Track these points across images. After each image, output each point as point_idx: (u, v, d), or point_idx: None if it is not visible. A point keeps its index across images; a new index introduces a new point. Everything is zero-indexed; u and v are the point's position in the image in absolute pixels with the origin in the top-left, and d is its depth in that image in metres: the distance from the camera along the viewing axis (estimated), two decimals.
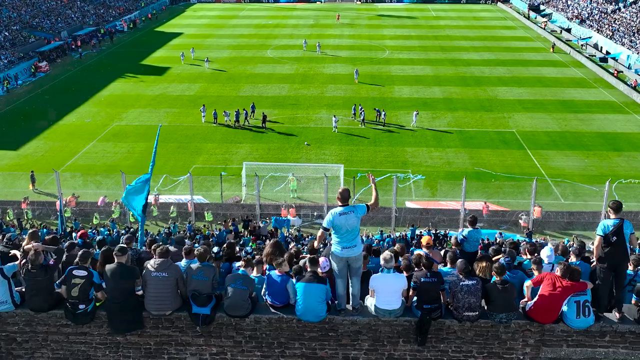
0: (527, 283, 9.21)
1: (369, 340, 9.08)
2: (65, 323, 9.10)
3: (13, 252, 10.22)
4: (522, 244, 14.03)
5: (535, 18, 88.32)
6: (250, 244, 22.37)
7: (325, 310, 8.87)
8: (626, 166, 39.21)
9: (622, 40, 64.31)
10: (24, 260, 9.06)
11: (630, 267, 9.94)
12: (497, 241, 25.52)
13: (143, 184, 13.52)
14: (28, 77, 59.74)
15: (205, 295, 8.77)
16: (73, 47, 71.35)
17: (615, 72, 57.99)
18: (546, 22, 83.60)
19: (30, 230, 10.94)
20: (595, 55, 65.56)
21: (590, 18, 76.26)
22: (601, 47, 67.63)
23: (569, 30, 78.00)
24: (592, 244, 9.72)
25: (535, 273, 9.55)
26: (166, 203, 32.90)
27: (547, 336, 9.04)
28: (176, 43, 75.16)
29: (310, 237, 28.71)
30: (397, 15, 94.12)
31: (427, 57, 67.25)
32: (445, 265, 10.04)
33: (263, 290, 9.22)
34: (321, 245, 11.39)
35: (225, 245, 11.31)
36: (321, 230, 9.12)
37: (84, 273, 8.73)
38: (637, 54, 59.34)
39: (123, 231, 27.07)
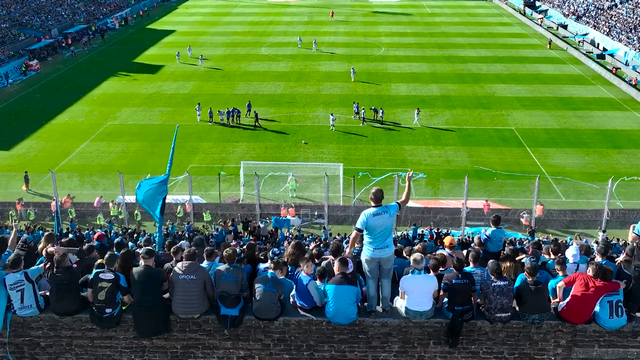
0: (560, 284, 9.14)
1: (399, 342, 9.01)
2: (91, 327, 8.96)
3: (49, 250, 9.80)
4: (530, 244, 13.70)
5: (531, 14, 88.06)
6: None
7: (355, 313, 8.76)
8: (626, 163, 39.01)
9: (619, 36, 64.11)
10: (48, 264, 8.90)
11: None
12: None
13: (160, 184, 13.09)
14: (19, 75, 58.77)
15: (233, 297, 8.66)
16: (64, 45, 70.34)
17: (614, 69, 57.75)
18: (542, 18, 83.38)
19: (46, 233, 10.72)
20: (592, 52, 65.36)
21: (586, 14, 76.06)
22: (598, 44, 67.42)
23: (565, 27, 77.79)
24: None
25: (560, 273, 9.50)
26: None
27: (579, 337, 8.99)
28: (169, 41, 74.34)
29: (310, 236, 28.26)
30: (391, 12, 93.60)
31: (423, 54, 66.79)
32: (468, 265, 9.86)
33: (292, 292, 9.09)
34: (344, 246, 11.08)
35: (245, 247, 11.08)
36: (355, 231, 8.88)
37: (110, 276, 8.62)
38: (635, 50, 59.11)
39: (121, 232, 26.50)
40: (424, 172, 36.80)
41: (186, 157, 39.36)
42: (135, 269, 8.72)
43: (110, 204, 31.41)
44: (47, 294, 8.98)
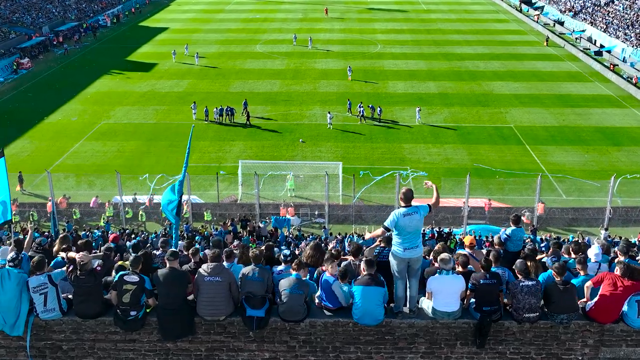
0: (588, 283, 9.09)
1: (425, 343, 8.97)
2: (114, 330, 8.84)
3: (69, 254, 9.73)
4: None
5: (527, 11, 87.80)
6: (251, 244, 21.38)
7: (383, 314, 8.71)
8: (627, 161, 38.84)
9: (616, 33, 63.92)
10: (71, 266, 8.79)
11: None
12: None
13: (176, 185, 12.94)
14: (10, 74, 57.82)
15: (259, 298, 8.59)
16: (55, 43, 69.38)
17: (612, 65, 57.54)
18: (538, 15, 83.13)
19: (61, 235, 10.73)
20: (589, 49, 65.14)
21: (583, 11, 75.85)
22: (595, 41, 67.22)
23: (561, 23, 77.59)
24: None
25: (581, 272, 9.50)
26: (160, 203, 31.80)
27: (607, 336, 8.97)
28: (162, 38, 73.58)
29: (311, 236, 27.87)
30: (387, 8, 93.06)
31: (420, 51, 66.36)
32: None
33: (317, 293, 9.01)
34: (362, 244, 10.95)
35: (263, 248, 10.94)
36: (382, 229, 8.85)
37: (135, 279, 8.50)
38: (632, 47, 58.90)
39: (118, 232, 25.96)
40: (423, 171, 36.49)
41: (182, 156, 38.33)
42: (160, 271, 8.63)
43: (107, 205, 30.83)
44: (70, 296, 8.88)
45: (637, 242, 23.31)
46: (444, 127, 44.08)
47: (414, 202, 8.75)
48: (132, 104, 49.48)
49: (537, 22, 79.90)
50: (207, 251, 10.45)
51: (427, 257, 10.27)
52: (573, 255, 10.70)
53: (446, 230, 29.19)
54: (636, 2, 68.27)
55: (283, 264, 9.46)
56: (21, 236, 14.81)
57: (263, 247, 10.94)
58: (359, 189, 33.03)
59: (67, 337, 8.92)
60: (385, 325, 8.83)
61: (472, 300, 8.87)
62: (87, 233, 25.15)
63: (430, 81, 55.27)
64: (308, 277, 9.12)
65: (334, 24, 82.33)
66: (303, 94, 51.62)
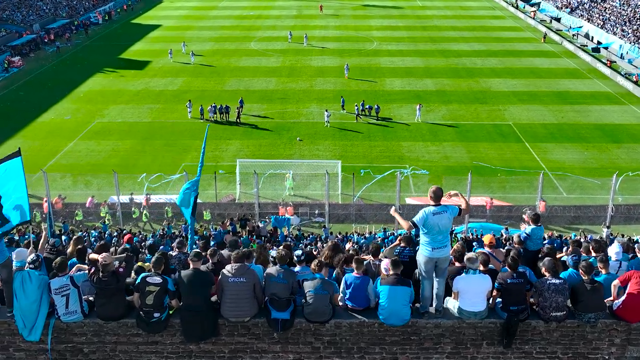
0: (615, 282, 9.05)
1: (451, 344, 8.92)
2: (136, 332, 8.74)
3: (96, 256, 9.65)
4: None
5: (524, 7, 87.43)
6: (251, 244, 20.96)
7: (409, 314, 8.68)
8: (627, 158, 38.63)
9: (613, 29, 63.69)
10: (92, 268, 8.70)
11: None
12: (504, 237, 24.65)
13: (192, 186, 12.87)
14: (1, 72, 56.93)
15: (284, 300, 8.51)
16: (46, 40, 68.43)
17: (609, 62, 57.29)
18: (535, 11, 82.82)
19: (75, 236, 10.64)
20: (587, 45, 64.84)
21: (580, 7, 75.58)
22: (592, 37, 66.95)
23: (558, 20, 77.30)
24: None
25: (602, 271, 9.41)
26: (158, 203, 31.53)
27: (634, 335, 8.93)
28: (155, 35, 72.81)
29: (311, 236, 27.44)
30: (382, 5, 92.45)
31: (416, 48, 65.89)
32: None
33: (341, 294, 8.94)
34: (379, 241, 10.89)
35: (283, 247, 11.02)
36: (410, 223, 8.58)
37: (158, 280, 8.41)
38: (630, 43, 58.66)
39: (115, 233, 25.56)
40: (423, 169, 36.12)
41: (178, 155, 38.25)
42: (183, 272, 8.53)
43: (103, 205, 30.30)
44: (91, 299, 8.81)
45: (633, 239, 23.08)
46: (443, 125, 43.66)
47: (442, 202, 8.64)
48: (126, 102, 48.78)
49: (533, 18, 79.61)
50: (224, 251, 10.55)
51: None
52: (593, 254, 10.58)
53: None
54: None
55: (298, 264, 9.32)
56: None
57: (282, 248, 10.94)
58: (359, 188, 32.61)
59: (88, 339, 8.83)
60: (411, 325, 8.79)
61: (498, 299, 8.84)
62: (85, 233, 24.62)
63: (428, 78, 54.83)
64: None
65: (329, 20, 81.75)
66: (299, 92, 51.06)
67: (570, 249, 11.63)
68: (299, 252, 9.56)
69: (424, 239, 8.60)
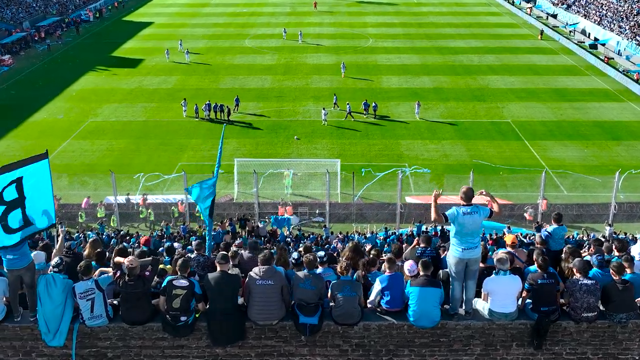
0: None
1: (481, 345, 8.85)
2: (161, 336, 8.63)
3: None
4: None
5: (520, 4, 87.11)
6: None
7: (439, 315, 8.59)
8: (627, 155, 38.38)
9: (610, 26, 63.42)
10: (118, 272, 8.54)
11: None
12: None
13: (210, 187, 12.55)
14: None
15: (312, 305, 8.40)
16: (36, 38, 67.36)
17: (606, 58, 57.01)
18: (531, 7, 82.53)
19: (91, 239, 10.59)
20: (584, 42, 64.54)
21: (576, 3, 75.29)
22: (589, 34, 66.67)
23: (555, 16, 77.01)
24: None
25: (628, 270, 9.18)
26: (163, 204, 31.00)
27: None
28: (147, 33, 71.94)
29: (311, 236, 26.97)
30: (376, 1, 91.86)
31: (412, 45, 65.37)
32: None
33: (372, 296, 8.80)
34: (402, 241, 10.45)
35: (302, 249, 10.87)
36: (441, 216, 8.48)
37: (185, 283, 8.29)
38: (627, 39, 58.40)
39: (113, 234, 25.06)
40: (423, 167, 35.65)
41: (174, 154, 37.67)
42: (210, 275, 8.42)
43: (99, 205, 29.67)
44: (115, 302, 8.71)
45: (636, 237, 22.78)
46: (441, 123, 43.21)
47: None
48: (119, 101, 48.01)
49: (529, 15, 79.29)
50: (244, 252, 10.44)
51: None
52: (617, 253, 10.38)
53: (448, 228, 28.33)
54: None
55: (320, 266, 9.11)
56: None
57: (302, 250, 10.80)
58: (359, 187, 32.10)
59: (112, 344, 8.72)
60: (440, 327, 8.69)
61: (528, 300, 8.76)
62: (81, 235, 23.99)
63: (425, 76, 54.36)
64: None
65: (324, 17, 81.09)
66: (295, 90, 50.46)
67: (592, 248, 11.53)
68: (321, 253, 9.43)
69: (454, 240, 8.51)
